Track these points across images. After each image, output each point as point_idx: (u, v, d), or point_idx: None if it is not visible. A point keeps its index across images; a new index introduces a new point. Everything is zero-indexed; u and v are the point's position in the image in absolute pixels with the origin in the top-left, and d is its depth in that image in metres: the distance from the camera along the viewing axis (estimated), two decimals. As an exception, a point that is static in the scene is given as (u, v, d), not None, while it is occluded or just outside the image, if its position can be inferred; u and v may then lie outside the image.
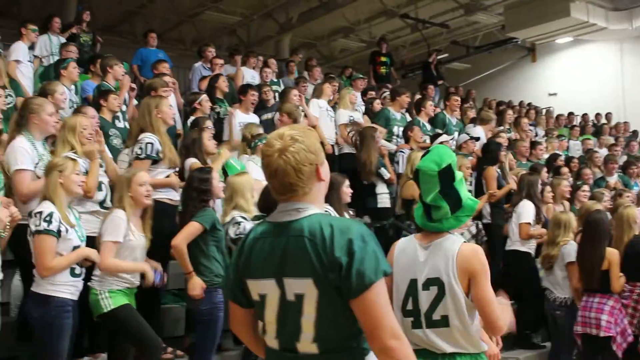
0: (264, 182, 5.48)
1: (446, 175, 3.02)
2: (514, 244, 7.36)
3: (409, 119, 9.85)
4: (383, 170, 7.81)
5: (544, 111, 17.03)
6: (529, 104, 17.56)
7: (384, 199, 7.99)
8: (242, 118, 8.29)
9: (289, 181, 2.31)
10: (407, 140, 8.76)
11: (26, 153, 4.84)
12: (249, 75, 10.90)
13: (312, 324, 2.26)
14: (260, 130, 7.33)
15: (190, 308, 5.23)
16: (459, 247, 2.98)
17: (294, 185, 2.32)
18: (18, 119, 5.09)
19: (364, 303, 2.19)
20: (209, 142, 6.35)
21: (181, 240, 4.97)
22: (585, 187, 8.81)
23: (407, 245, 3.15)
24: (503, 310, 3.04)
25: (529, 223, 7.24)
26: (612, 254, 5.91)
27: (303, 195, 2.34)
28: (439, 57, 17.34)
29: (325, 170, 2.40)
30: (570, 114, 16.78)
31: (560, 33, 19.32)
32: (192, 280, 4.99)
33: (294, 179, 2.31)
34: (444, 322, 2.95)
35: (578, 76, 22.04)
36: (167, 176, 5.71)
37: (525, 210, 7.30)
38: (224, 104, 9.11)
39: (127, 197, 4.74)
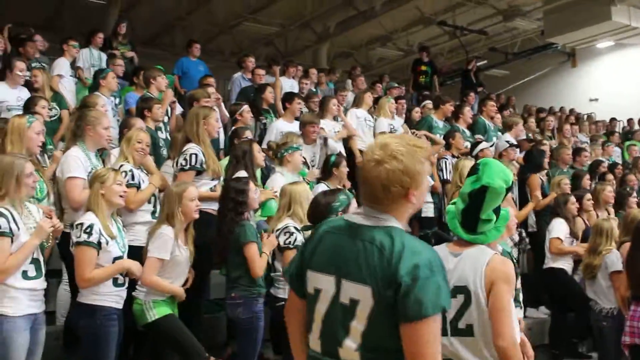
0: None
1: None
2: (548, 261, 7.36)
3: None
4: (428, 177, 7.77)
5: (585, 117, 16.78)
6: (571, 110, 17.34)
7: (428, 208, 7.98)
8: (283, 127, 8.22)
9: (375, 194, 2.29)
10: (448, 147, 8.71)
11: (80, 162, 4.95)
12: (288, 85, 10.92)
13: (359, 333, 2.23)
14: (298, 140, 7.13)
15: (231, 317, 5.25)
16: (490, 257, 2.99)
17: (379, 199, 2.30)
18: (74, 129, 5.21)
19: (414, 332, 2.14)
20: (259, 154, 6.32)
21: (259, 269, 5.03)
22: (635, 194, 8.68)
23: (439, 253, 3.12)
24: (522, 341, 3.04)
25: (559, 238, 7.26)
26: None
27: (387, 206, 2.31)
28: (478, 64, 17.23)
29: (419, 194, 2.32)
30: (613, 119, 16.48)
31: (601, 37, 19.02)
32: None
33: (380, 194, 2.28)
34: (469, 331, 2.94)
35: (620, 81, 21.69)
36: (212, 188, 5.75)
37: (556, 225, 7.33)
38: (270, 115, 9.16)
39: (178, 212, 4.79)
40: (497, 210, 3.10)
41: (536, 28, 19.65)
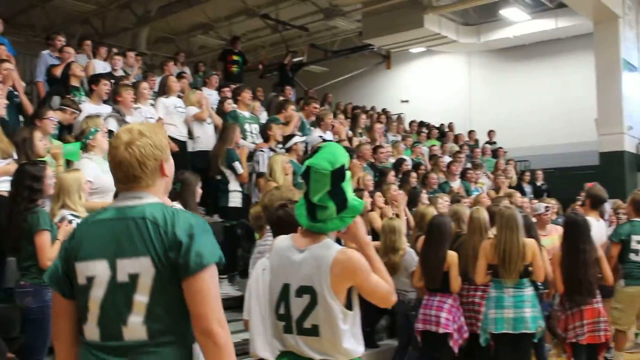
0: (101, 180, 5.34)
1: (338, 175, 2.89)
2: None
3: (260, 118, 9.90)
4: (237, 164, 7.78)
5: (396, 117, 17.58)
6: (383, 110, 18.09)
7: (235, 198, 7.95)
8: (90, 109, 7.72)
9: (133, 173, 2.39)
10: (266, 139, 8.73)
11: None
12: (101, 67, 10.54)
13: (144, 305, 2.27)
14: (102, 124, 6.61)
15: (20, 306, 4.98)
16: (334, 255, 2.86)
17: (138, 177, 2.39)
18: None
19: (198, 282, 2.26)
20: (40, 142, 5.97)
21: (47, 259, 4.75)
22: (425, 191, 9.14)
23: (282, 247, 3.05)
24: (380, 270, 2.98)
25: None
26: (452, 256, 6.19)
27: (146, 187, 2.42)
28: (296, 59, 17.50)
29: (169, 167, 2.50)
30: (421, 121, 17.43)
31: (414, 43, 20.09)
32: None
33: (138, 172, 2.39)
34: (315, 331, 2.89)
35: (429, 85, 23.05)
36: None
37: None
38: (80, 93, 8.71)
39: None
40: (342, 198, 2.92)
41: (355, 28, 20.32)
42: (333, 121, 10.36)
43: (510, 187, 12.25)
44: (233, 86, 11.07)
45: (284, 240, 3.09)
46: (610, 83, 16.69)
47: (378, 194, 7.83)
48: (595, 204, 7.09)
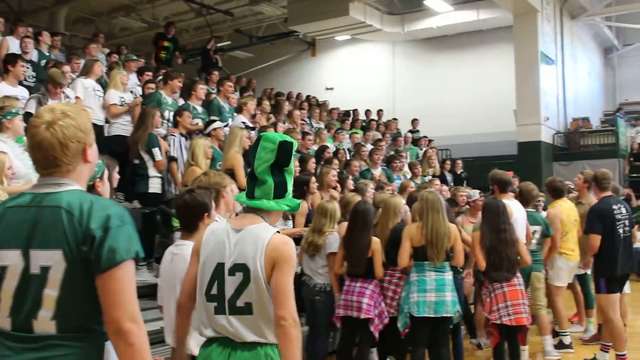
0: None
1: (284, 149, 2.96)
2: None
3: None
4: (156, 150, 7.61)
5: (320, 104, 17.59)
6: (307, 97, 18.08)
7: (155, 184, 7.79)
8: (4, 90, 7.41)
9: (54, 154, 2.24)
10: (176, 124, 8.58)
11: None
12: (16, 46, 10.12)
13: (53, 299, 2.17)
14: (17, 104, 6.25)
15: None
16: (271, 236, 2.90)
17: (58, 160, 2.25)
18: None
19: (110, 280, 2.16)
20: None
21: None
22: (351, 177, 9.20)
23: (218, 228, 3.05)
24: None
25: None
26: (376, 243, 6.21)
27: (67, 172, 2.28)
28: (220, 44, 17.31)
29: (92, 153, 2.36)
30: (346, 110, 17.50)
31: (339, 31, 20.17)
32: None
33: (58, 154, 2.25)
34: (248, 309, 2.87)
35: (354, 73, 23.20)
36: None
37: None
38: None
39: None
40: (282, 182, 2.98)
41: (281, 15, 20.24)
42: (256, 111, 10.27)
43: (434, 175, 12.44)
44: (163, 71, 10.85)
45: (219, 223, 3.14)
46: (528, 75, 17.18)
47: (313, 179, 7.79)
48: (503, 187, 7.22)
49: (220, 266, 2.93)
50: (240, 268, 2.88)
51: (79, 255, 2.16)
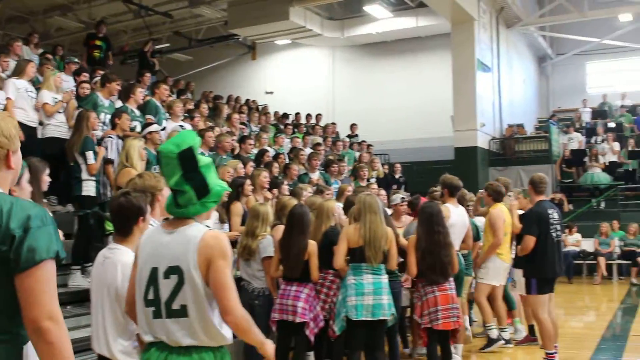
0: None
1: (186, 158, 2.91)
2: None
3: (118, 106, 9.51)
4: (89, 153, 7.49)
5: (259, 108, 17.57)
6: (246, 101, 18.02)
7: (89, 187, 7.66)
8: None
9: None
10: (114, 126, 8.44)
11: None
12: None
13: None
14: None
15: None
16: (202, 234, 2.91)
17: None
18: None
19: (29, 279, 2.15)
20: None
21: None
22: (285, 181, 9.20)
23: (153, 233, 3.07)
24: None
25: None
26: (312, 246, 6.22)
27: None
28: (159, 46, 17.10)
29: (16, 160, 2.35)
30: (285, 114, 17.50)
31: (279, 35, 20.18)
32: None
33: None
34: (183, 311, 2.88)
35: (294, 77, 23.22)
36: None
37: None
38: None
39: None
40: (201, 183, 2.96)
41: (221, 17, 20.11)
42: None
43: (378, 178, 12.55)
44: (100, 72, 10.66)
45: (153, 228, 3.15)
46: (465, 82, 17.49)
47: (248, 181, 7.75)
48: (452, 191, 7.38)
49: (155, 270, 2.94)
50: (174, 271, 2.89)
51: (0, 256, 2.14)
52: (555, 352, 6.95)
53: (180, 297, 2.88)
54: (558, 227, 7.08)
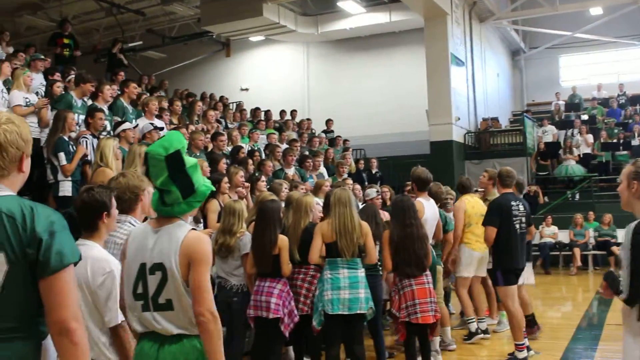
0: None
1: (174, 160, 3.01)
2: None
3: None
4: (61, 155, 7.43)
5: (233, 105, 17.48)
6: (221, 98, 17.90)
7: (66, 187, 7.61)
8: None
9: None
10: (87, 126, 8.35)
11: None
12: None
13: None
14: None
15: None
16: (186, 233, 3.04)
17: None
18: None
19: (58, 282, 2.25)
20: None
21: None
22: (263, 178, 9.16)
23: (140, 231, 3.20)
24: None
25: None
26: (282, 240, 6.21)
27: (1, 177, 2.33)
28: (132, 44, 16.97)
29: (27, 165, 2.42)
30: (257, 109, 17.42)
31: (253, 31, 20.14)
32: None
33: None
34: (169, 305, 3.00)
35: (269, 74, 23.17)
36: None
37: None
38: None
39: None
40: (187, 184, 3.06)
41: (194, 15, 20.03)
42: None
43: (350, 174, 12.54)
44: (74, 72, 10.54)
45: (143, 226, 3.26)
46: (439, 76, 17.55)
47: (225, 179, 7.72)
48: (421, 185, 7.38)
49: (142, 266, 3.06)
50: (159, 267, 3.02)
51: (23, 258, 2.23)
52: (524, 343, 6.99)
53: (165, 292, 3.01)
54: (523, 219, 7.12)
